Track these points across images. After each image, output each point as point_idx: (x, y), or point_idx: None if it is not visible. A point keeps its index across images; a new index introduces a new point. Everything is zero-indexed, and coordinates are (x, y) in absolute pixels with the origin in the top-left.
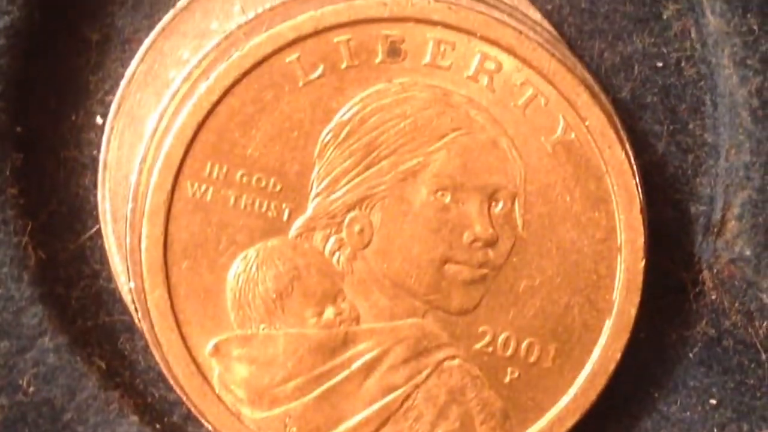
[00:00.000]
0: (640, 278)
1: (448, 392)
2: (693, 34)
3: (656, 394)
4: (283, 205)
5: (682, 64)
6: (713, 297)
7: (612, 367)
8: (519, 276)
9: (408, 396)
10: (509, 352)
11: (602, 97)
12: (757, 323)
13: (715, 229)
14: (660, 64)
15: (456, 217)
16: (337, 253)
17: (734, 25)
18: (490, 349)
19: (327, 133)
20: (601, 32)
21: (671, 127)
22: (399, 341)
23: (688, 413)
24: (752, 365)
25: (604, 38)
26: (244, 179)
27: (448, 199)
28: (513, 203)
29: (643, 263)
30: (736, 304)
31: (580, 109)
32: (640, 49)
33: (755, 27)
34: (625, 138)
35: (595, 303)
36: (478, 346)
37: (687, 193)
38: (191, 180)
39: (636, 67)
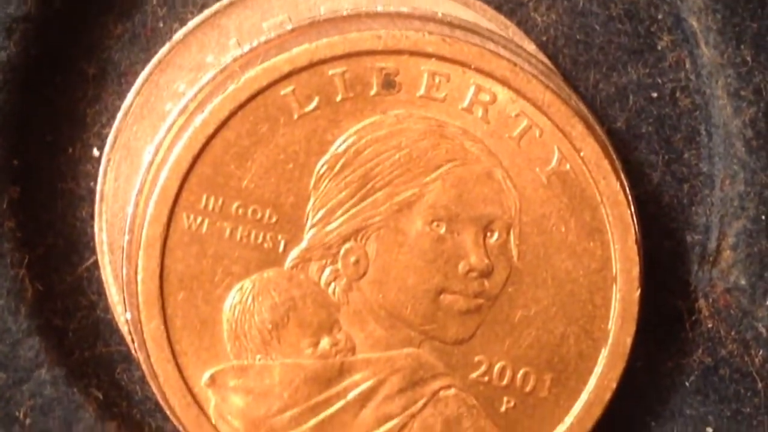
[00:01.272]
0: (635, 308)
1: (444, 422)
2: (687, 65)
3: (653, 423)
4: (279, 237)
5: (677, 94)
6: (709, 326)
7: (608, 396)
8: (514, 306)
9: (404, 426)
10: (505, 381)
11: (597, 128)
12: (753, 352)
13: (711, 259)
14: (655, 95)
15: (451, 247)
16: (332, 284)
17: (728, 56)
18: (486, 378)
19: (322, 165)
20: (596, 63)
21: (666, 157)
22: (395, 371)
23: None
24: (748, 394)
25: (599, 69)
26: (240, 211)
27: (443, 229)
28: (508, 234)
29: (638, 293)
30: (732, 333)
31: (574, 140)
32: (635, 80)
33: (749, 58)
34: (620, 168)
35: (591, 332)
36: (473, 375)
37: (682, 222)
38: (187, 212)
39: (631, 98)
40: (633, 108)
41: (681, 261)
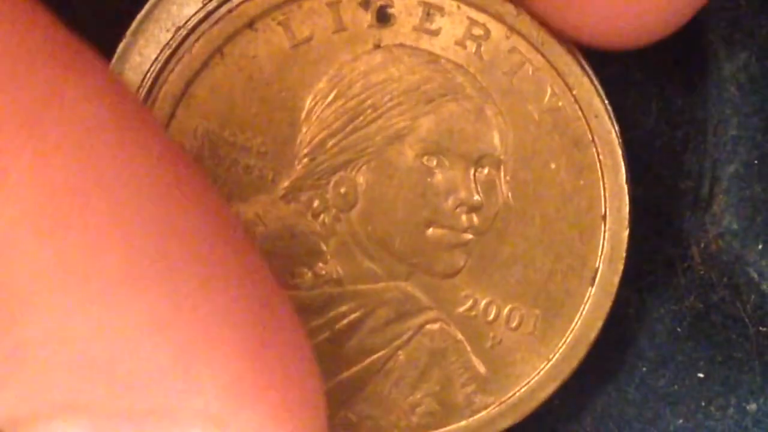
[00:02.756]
0: (623, 247)
1: (430, 355)
2: None
3: (644, 368)
4: (269, 166)
5: (670, 39)
6: (701, 272)
7: (593, 334)
8: (503, 242)
9: (389, 358)
10: (491, 317)
11: (589, 68)
12: (744, 297)
13: (703, 204)
14: None
15: (441, 181)
16: (321, 215)
17: (720, 0)
18: (473, 313)
19: (315, 96)
20: None
21: (660, 104)
22: (381, 304)
23: (676, 387)
24: (740, 339)
25: None
26: (231, 138)
27: (434, 163)
28: (498, 170)
29: (626, 232)
30: (724, 279)
31: (567, 78)
32: None
33: (742, 2)
34: (611, 109)
35: (579, 271)
36: (460, 310)
37: (676, 169)
38: (178, 137)
39: None
40: (626, 54)
41: (674, 207)
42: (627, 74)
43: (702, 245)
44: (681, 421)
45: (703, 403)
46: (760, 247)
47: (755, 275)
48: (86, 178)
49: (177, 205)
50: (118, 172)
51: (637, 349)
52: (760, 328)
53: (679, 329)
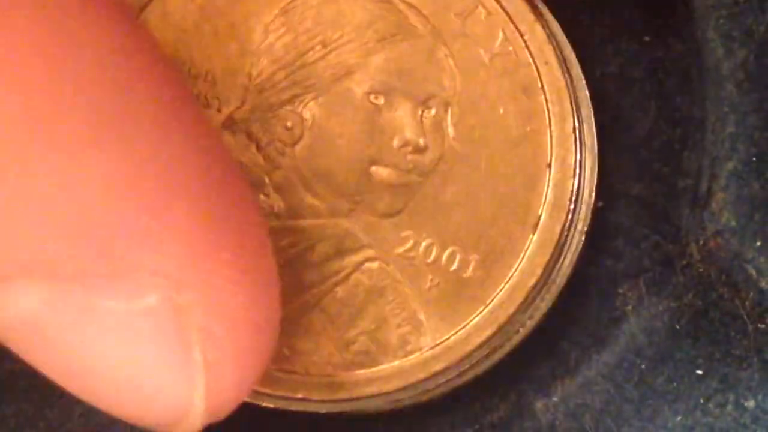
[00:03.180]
0: (567, 196)
1: (367, 293)
2: (679, 8)
3: (643, 365)
4: (216, 96)
5: (669, 38)
6: (700, 269)
7: (532, 281)
8: (446, 184)
9: (326, 294)
10: (431, 259)
11: (544, 14)
12: (743, 294)
13: (702, 202)
14: (647, 38)
15: (387, 120)
16: (265, 149)
17: None
18: (412, 254)
19: (265, 29)
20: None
21: (659, 101)
22: (320, 240)
23: (675, 384)
24: (738, 336)
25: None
26: (180, 67)
27: (381, 102)
28: (446, 112)
29: (571, 182)
30: (723, 277)
31: (519, 24)
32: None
33: None
34: (564, 57)
35: (522, 217)
36: (399, 250)
37: (674, 166)
38: None
39: (624, 41)
40: (626, 51)
41: (672, 205)
42: (625, 72)
43: (701, 243)
44: (679, 418)
45: (701, 400)
46: (758, 244)
47: (753, 272)
48: (52, 37)
49: (141, 75)
50: (84, 36)
51: (636, 346)
52: (759, 325)
53: (677, 326)
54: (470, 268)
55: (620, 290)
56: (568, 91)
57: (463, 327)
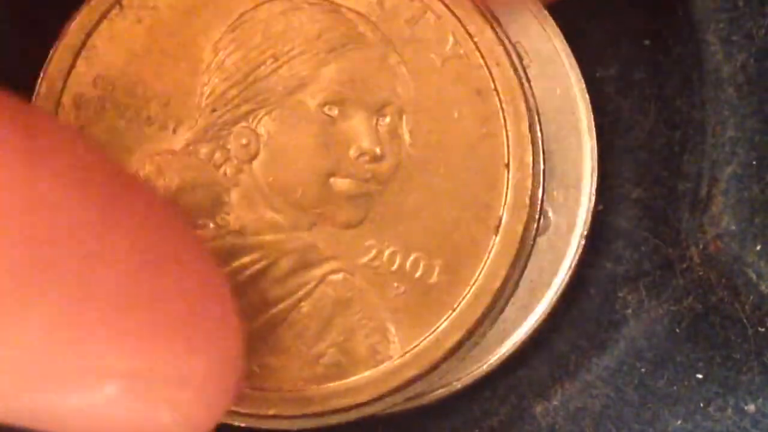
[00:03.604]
0: (526, 195)
1: (333, 305)
2: (679, 12)
3: (643, 369)
4: (171, 118)
5: (669, 41)
6: (700, 273)
7: (497, 284)
8: (406, 192)
9: (292, 309)
10: (395, 267)
11: (492, 16)
12: (743, 298)
13: (702, 205)
14: (647, 42)
15: (343, 131)
16: (223, 167)
17: (719, 1)
18: (376, 263)
19: (215, 46)
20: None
21: (659, 104)
22: (283, 254)
23: (675, 387)
24: (738, 340)
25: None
26: (132, 90)
27: (335, 112)
28: (401, 119)
29: (530, 180)
30: (723, 280)
31: (468, 26)
32: (627, 27)
33: (740, 3)
34: (516, 58)
35: (484, 220)
36: (363, 260)
37: (674, 170)
38: (78, 89)
39: (624, 45)
40: (626, 54)
41: (673, 209)
42: (625, 75)
43: (700, 246)
44: (679, 421)
45: (701, 404)
46: (758, 248)
47: (753, 276)
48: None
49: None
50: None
51: (636, 349)
52: (759, 329)
53: (677, 330)
54: (435, 274)
55: (620, 294)
56: (522, 90)
57: (432, 333)
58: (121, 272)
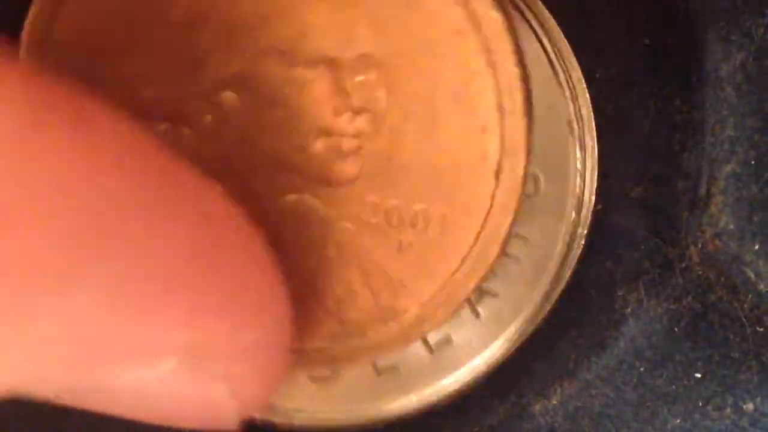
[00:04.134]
0: (523, 135)
1: (340, 265)
2: (679, 11)
3: (642, 368)
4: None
5: (669, 41)
6: (699, 272)
7: (503, 232)
8: (398, 143)
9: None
10: (397, 221)
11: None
12: (741, 297)
13: (701, 204)
14: (647, 41)
15: (320, 90)
16: (213, 136)
17: (719, 1)
18: (377, 219)
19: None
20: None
21: (657, 104)
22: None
23: (674, 386)
24: (737, 339)
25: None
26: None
27: (310, 74)
28: (379, 71)
29: (525, 120)
30: (722, 279)
31: None
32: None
33: (739, 2)
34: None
35: (481, 166)
36: (364, 216)
37: (674, 169)
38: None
39: (624, 44)
40: (625, 54)
41: (672, 208)
42: (625, 75)
43: (700, 245)
44: (678, 420)
45: (700, 403)
46: (757, 247)
47: (752, 275)
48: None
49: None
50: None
51: (635, 348)
52: (757, 328)
53: (676, 329)
54: (440, 223)
55: (619, 293)
56: (506, 25)
57: (445, 283)
58: (177, 249)
